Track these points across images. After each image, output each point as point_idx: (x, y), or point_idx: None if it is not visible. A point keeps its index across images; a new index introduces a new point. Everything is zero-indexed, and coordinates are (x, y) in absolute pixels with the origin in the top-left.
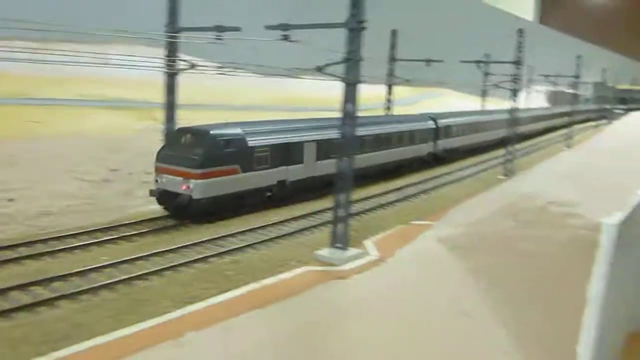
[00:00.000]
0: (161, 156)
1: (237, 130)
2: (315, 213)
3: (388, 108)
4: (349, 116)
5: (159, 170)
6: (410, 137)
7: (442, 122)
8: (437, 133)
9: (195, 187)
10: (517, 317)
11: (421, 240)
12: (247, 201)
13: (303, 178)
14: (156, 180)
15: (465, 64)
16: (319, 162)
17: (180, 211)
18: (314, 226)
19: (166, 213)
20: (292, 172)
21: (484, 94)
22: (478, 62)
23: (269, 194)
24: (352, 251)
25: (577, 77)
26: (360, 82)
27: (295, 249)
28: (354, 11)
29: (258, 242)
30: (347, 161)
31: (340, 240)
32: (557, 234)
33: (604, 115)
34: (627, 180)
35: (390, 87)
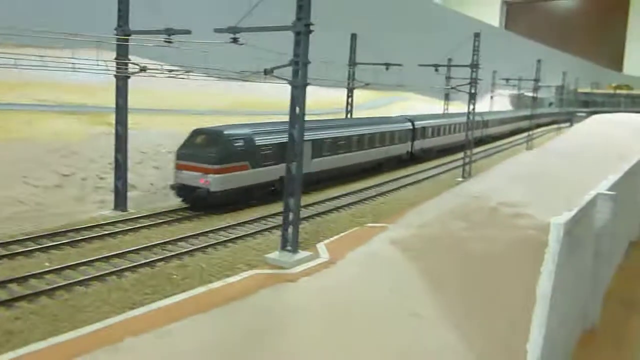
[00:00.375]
0: (180, 154)
1: (246, 131)
2: (270, 216)
3: (349, 112)
4: (297, 120)
5: (178, 167)
6: (390, 137)
7: (419, 123)
8: (415, 134)
9: (213, 181)
10: (468, 317)
11: (374, 243)
12: (254, 194)
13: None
14: (176, 176)
15: (427, 68)
16: (313, 159)
17: (198, 203)
18: (269, 229)
19: (119, 218)
20: (275, 170)
21: (447, 97)
22: (435, 65)
23: (272, 188)
24: (302, 254)
25: (537, 80)
26: (307, 84)
27: (246, 252)
28: (300, 15)
29: (208, 246)
30: (296, 165)
31: (290, 243)
32: (507, 234)
33: (568, 118)
34: (579, 181)
35: (350, 91)
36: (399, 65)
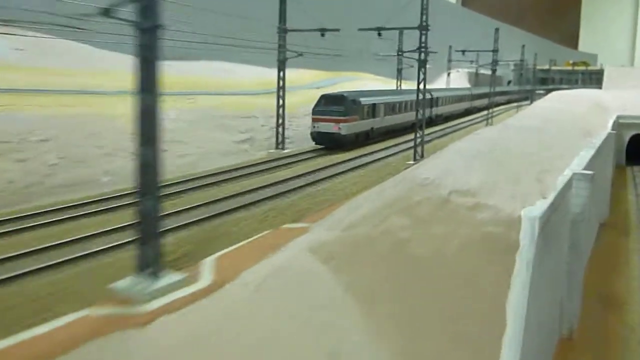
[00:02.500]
0: (316, 111)
1: (355, 95)
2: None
3: (280, 93)
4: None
5: (315, 120)
6: (413, 105)
7: (437, 94)
8: (433, 102)
9: (343, 128)
10: (414, 347)
11: (286, 252)
12: (359, 139)
13: (379, 127)
14: (313, 127)
15: (374, 38)
16: (386, 117)
17: (332, 144)
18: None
19: None
20: (375, 123)
21: (399, 73)
22: (378, 29)
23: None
24: (169, 278)
25: (495, 51)
26: (158, 26)
27: (87, 277)
28: None
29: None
30: (152, 151)
31: (149, 264)
32: (462, 232)
33: (526, 96)
34: (547, 158)
35: (282, 63)
36: (336, 30)
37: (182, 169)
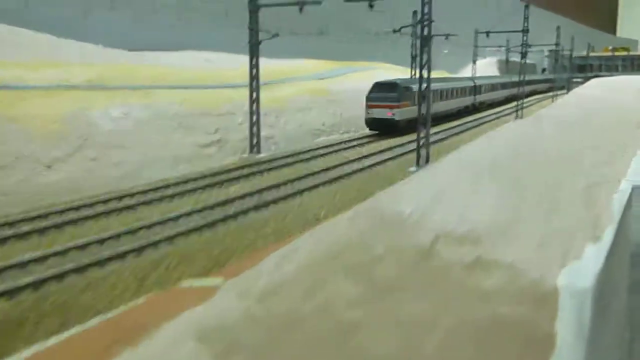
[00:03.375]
0: (370, 98)
1: (407, 82)
2: None
3: (252, 84)
4: None
5: (370, 107)
6: (463, 92)
7: (478, 82)
8: (476, 90)
9: (397, 113)
10: None
11: (154, 344)
12: (411, 124)
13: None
14: (368, 113)
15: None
16: (435, 103)
17: (386, 129)
18: None
19: None
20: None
21: (414, 60)
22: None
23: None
24: None
25: (526, 31)
26: None
27: None
28: None
29: None
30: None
31: None
32: (451, 315)
33: (563, 84)
34: (592, 164)
35: (255, 46)
36: (317, 3)
37: (109, 183)
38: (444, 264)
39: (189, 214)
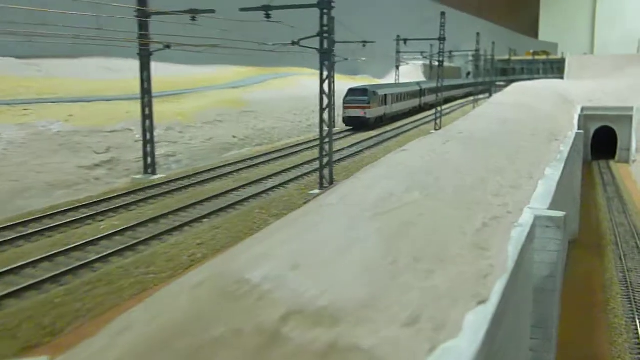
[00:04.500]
0: (346, 101)
1: (374, 88)
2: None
3: (145, 99)
4: None
5: (346, 107)
6: (414, 94)
7: (424, 86)
8: (422, 93)
9: (367, 113)
10: None
11: None
12: (376, 122)
13: (388, 112)
14: (344, 113)
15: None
16: (393, 104)
17: (360, 126)
18: None
19: None
20: (387, 109)
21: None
22: (265, 9)
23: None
24: None
25: (442, 39)
26: None
27: None
28: None
29: None
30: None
31: None
32: None
33: (486, 89)
34: (490, 188)
35: (145, 59)
36: (211, 12)
37: None
38: (292, 350)
39: (31, 264)
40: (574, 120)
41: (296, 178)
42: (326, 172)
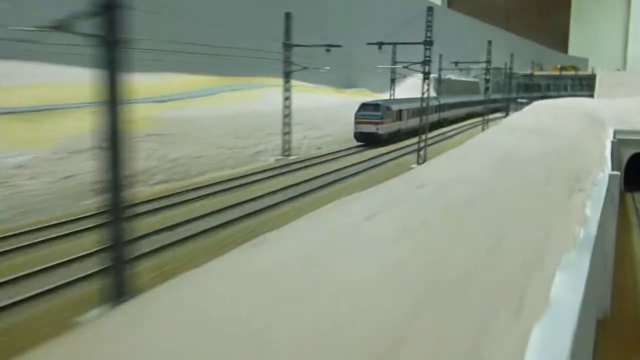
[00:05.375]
0: (358, 116)
1: (388, 103)
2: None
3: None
4: None
5: (357, 122)
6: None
7: (442, 101)
8: (441, 108)
9: (380, 129)
10: None
11: None
12: (390, 138)
13: (404, 128)
14: (355, 128)
15: None
16: (408, 120)
17: (372, 141)
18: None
19: None
20: (402, 124)
21: (286, 77)
22: None
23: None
24: None
25: (428, 43)
26: None
27: None
28: None
29: None
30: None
31: None
32: None
33: (504, 106)
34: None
35: None
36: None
37: None
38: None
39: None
40: (605, 150)
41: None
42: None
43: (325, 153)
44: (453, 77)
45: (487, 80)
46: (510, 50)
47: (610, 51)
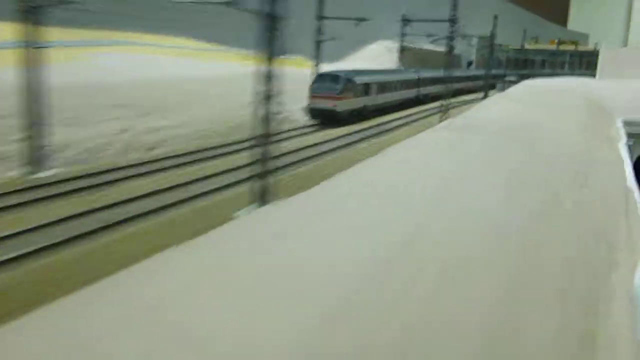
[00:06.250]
0: (313, 89)
1: (351, 74)
2: None
3: None
4: None
5: (312, 97)
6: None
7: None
8: (419, 82)
9: (338, 105)
10: None
11: None
12: (351, 117)
13: (370, 105)
14: (310, 103)
15: None
16: (378, 95)
17: (329, 120)
18: None
19: None
20: (368, 101)
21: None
22: None
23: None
24: None
25: None
26: None
27: None
28: None
29: None
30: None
31: None
32: None
33: (488, 85)
34: None
35: None
36: None
37: None
38: None
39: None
40: (626, 178)
41: None
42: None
43: (148, 161)
44: (426, 46)
45: (450, 49)
46: (502, 20)
47: (613, 28)
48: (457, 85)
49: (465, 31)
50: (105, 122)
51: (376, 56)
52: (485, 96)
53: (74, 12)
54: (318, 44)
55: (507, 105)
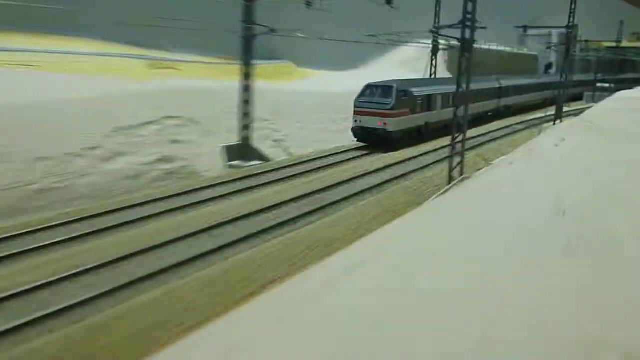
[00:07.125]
0: (358, 103)
1: (407, 85)
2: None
3: None
4: None
5: (357, 113)
6: (489, 94)
7: (504, 83)
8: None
9: (389, 124)
10: None
11: None
12: (405, 138)
13: (433, 122)
14: (355, 121)
15: None
16: (443, 110)
17: (377, 142)
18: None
19: None
20: (430, 117)
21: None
22: None
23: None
24: None
25: None
26: None
27: None
28: None
29: None
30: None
31: None
32: None
33: (575, 97)
34: None
35: None
36: None
37: None
38: None
39: None
40: None
41: None
42: None
43: None
44: (483, 46)
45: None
46: (588, 6)
47: None
48: (511, 100)
49: (542, 22)
50: None
51: (412, 59)
52: (558, 117)
53: None
54: None
55: (580, 143)
